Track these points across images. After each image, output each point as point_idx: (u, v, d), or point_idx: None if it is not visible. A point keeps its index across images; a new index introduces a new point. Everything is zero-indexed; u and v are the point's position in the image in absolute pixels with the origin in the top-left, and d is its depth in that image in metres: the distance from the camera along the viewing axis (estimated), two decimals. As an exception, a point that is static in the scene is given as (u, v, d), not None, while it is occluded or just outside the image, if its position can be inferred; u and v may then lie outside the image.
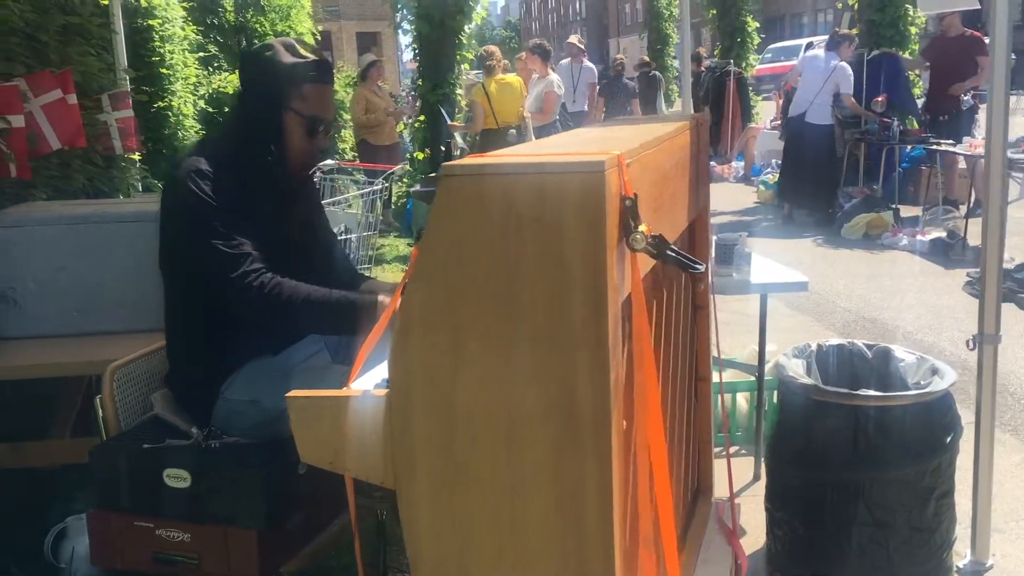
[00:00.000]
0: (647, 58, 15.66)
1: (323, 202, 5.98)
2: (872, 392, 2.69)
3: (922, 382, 2.85)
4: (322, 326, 2.23)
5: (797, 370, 2.88)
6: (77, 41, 4.20)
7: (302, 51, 2.26)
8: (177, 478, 2.09)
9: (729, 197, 11.36)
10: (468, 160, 1.49)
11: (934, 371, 2.85)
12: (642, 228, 1.48)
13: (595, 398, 1.45)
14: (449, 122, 9.10)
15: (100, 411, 2.30)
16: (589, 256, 1.41)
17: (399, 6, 10.59)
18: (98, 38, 4.57)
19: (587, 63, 11.23)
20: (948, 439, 2.72)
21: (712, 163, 13.47)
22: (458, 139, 8.77)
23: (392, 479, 1.60)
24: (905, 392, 2.75)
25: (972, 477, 2.92)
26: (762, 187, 10.75)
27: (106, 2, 4.79)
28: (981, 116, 8.89)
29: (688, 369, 2.60)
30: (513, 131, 8.28)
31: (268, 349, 2.29)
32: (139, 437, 2.21)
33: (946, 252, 7.21)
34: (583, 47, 11.60)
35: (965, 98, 8.22)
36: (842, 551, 2.74)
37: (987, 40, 9.03)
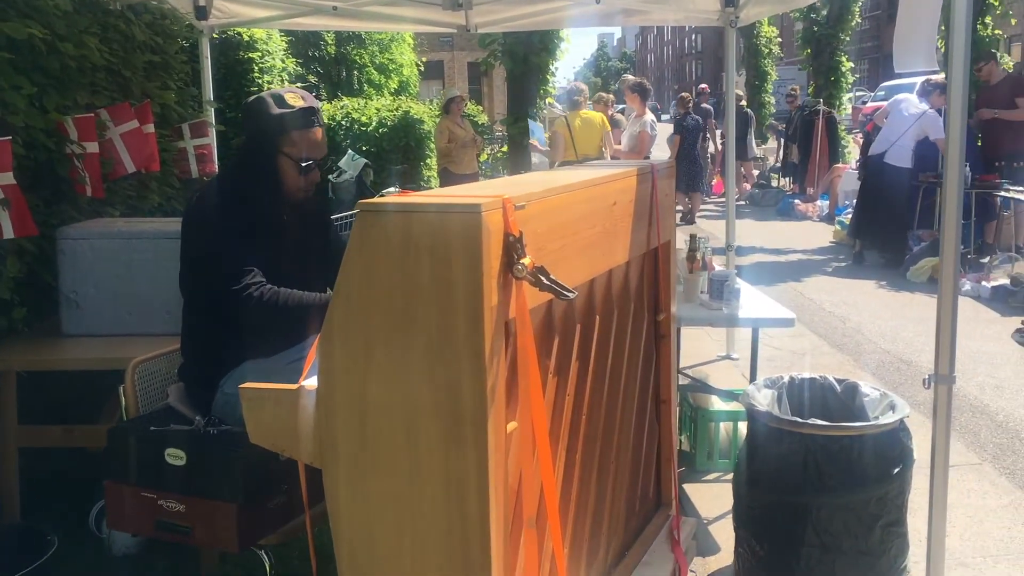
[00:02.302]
0: (741, 92, 15.78)
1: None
2: (820, 422, 2.89)
3: (880, 416, 3.02)
4: (312, 325, 2.60)
5: (760, 399, 3.10)
6: (159, 77, 4.72)
7: (289, 101, 2.63)
8: (175, 457, 2.47)
9: (808, 235, 11.40)
10: (379, 199, 1.82)
11: (892, 406, 3.02)
12: (524, 261, 1.78)
13: (474, 400, 1.74)
14: (531, 140, 9.49)
15: (123, 399, 2.71)
16: (470, 282, 1.71)
17: (488, 42, 11.04)
18: (181, 73, 5.09)
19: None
20: (895, 471, 2.88)
21: (796, 201, 13.49)
22: (533, 159, 9.15)
23: (320, 460, 1.93)
24: (852, 423, 2.93)
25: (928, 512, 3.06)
26: (838, 227, 10.75)
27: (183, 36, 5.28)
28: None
29: (645, 391, 2.86)
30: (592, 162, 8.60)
31: (264, 351, 2.66)
32: (150, 421, 2.61)
33: (1007, 299, 7.17)
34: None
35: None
36: (792, 571, 2.93)
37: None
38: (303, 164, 2.66)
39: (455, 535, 1.81)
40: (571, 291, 1.83)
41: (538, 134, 10.39)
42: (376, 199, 1.82)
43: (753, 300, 3.72)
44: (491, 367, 1.74)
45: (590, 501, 2.40)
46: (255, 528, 2.48)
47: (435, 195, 1.89)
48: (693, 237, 3.87)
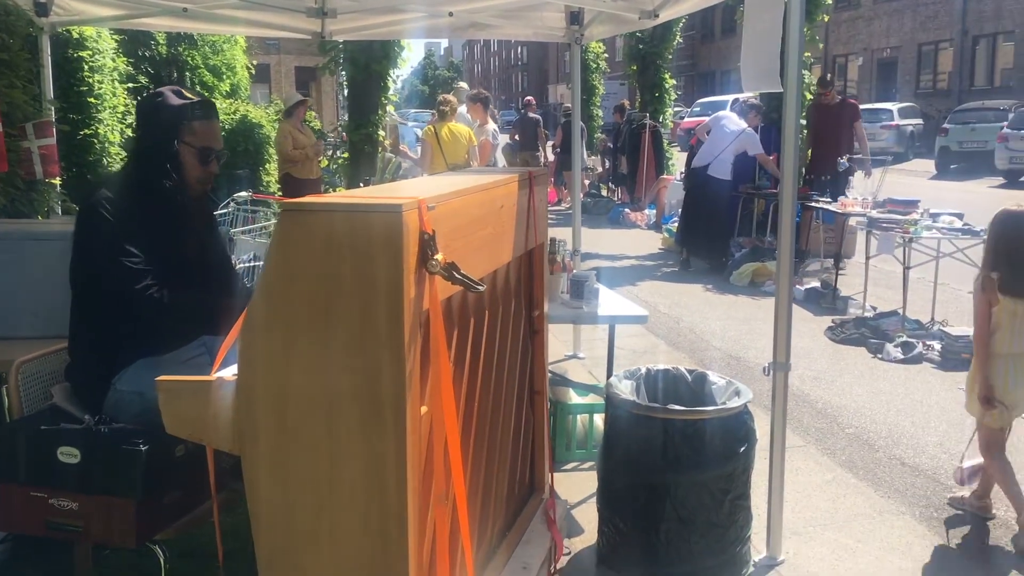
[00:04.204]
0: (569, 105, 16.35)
1: (237, 230, 6.40)
2: (677, 407, 3.19)
3: (727, 401, 3.35)
4: (207, 327, 2.68)
5: (623, 388, 3.37)
6: (4, 74, 4.56)
7: (188, 94, 2.72)
8: (69, 455, 2.48)
9: (638, 242, 12.00)
10: (302, 200, 1.94)
11: (737, 392, 3.36)
12: (438, 257, 1.94)
13: (394, 386, 1.89)
14: (402, 145, 9.55)
15: (6, 400, 2.68)
16: (391, 277, 1.86)
17: (328, 48, 11.02)
18: (25, 71, 4.93)
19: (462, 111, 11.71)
20: (741, 449, 3.22)
21: (626, 210, 14.15)
22: (400, 162, 9.26)
23: (238, 447, 2.02)
24: (705, 408, 3.25)
25: (767, 486, 3.42)
26: (666, 234, 11.39)
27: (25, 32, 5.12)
28: (855, 178, 9.75)
29: (522, 382, 3.07)
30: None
31: (158, 348, 2.70)
32: (37, 421, 2.59)
33: (818, 300, 7.87)
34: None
35: (841, 161, 9.03)
36: (652, 544, 3.21)
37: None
38: (204, 153, 2.73)
39: (373, 513, 1.94)
40: (481, 284, 2.02)
41: (409, 137, 10.50)
42: (300, 200, 1.94)
43: (609, 299, 4.01)
44: (409, 355, 1.89)
45: (480, 483, 2.59)
46: (152, 523, 2.52)
47: (353, 196, 2.04)
48: (553, 241, 4.12)
